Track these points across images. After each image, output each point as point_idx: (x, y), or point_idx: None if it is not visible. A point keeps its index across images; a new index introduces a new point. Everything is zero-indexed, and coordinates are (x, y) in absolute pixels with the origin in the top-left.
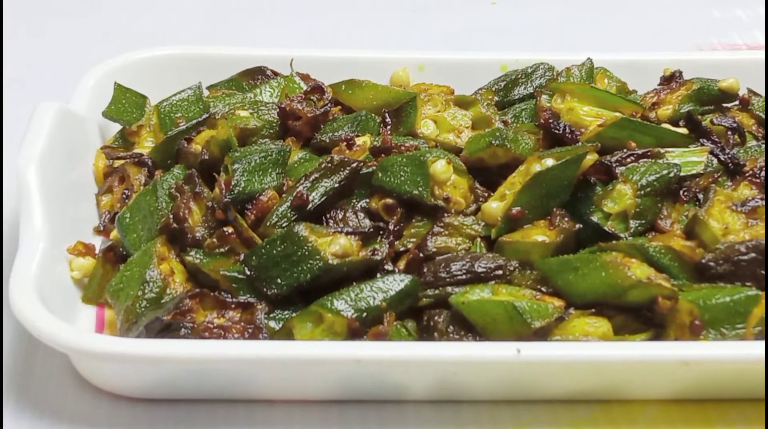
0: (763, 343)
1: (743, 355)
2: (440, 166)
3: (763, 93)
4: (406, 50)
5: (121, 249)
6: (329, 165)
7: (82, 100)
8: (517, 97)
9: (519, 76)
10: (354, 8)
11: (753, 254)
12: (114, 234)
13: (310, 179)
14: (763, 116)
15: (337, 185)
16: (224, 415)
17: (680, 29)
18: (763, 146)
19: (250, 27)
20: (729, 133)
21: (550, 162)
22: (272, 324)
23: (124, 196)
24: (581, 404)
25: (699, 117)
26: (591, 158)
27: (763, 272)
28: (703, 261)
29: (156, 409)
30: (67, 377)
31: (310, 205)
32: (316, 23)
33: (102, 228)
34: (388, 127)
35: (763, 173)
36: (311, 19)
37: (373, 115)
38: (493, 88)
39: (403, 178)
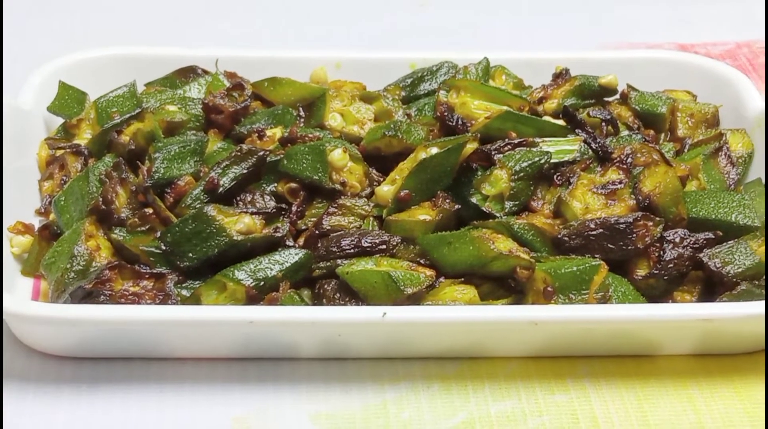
0: (600, 306)
1: (581, 316)
2: (337, 154)
3: (645, 88)
4: (324, 50)
5: (55, 228)
6: (238, 153)
7: (28, 95)
8: (422, 93)
9: (425, 73)
10: (288, 11)
11: (601, 230)
12: (52, 215)
13: (222, 166)
14: (639, 109)
15: (245, 171)
16: (140, 372)
17: (589, 29)
18: (634, 136)
19: (187, 29)
20: (603, 124)
21: (434, 150)
22: (184, 292)
23: (62, 181)
24: (450, 361)
25: (575, 110)
26: (471, 147)
27: (611, 245)
28: (559, 236)
29: (80, 366)
30: (4, 339)
31: (220, 189)
32: (251, 26)
33: (43, 210)
34: (302, 119)
35: (630, 159)
36: (246, 23)
37: (289, 109)
38: (401, 84)
39: (305, 165)
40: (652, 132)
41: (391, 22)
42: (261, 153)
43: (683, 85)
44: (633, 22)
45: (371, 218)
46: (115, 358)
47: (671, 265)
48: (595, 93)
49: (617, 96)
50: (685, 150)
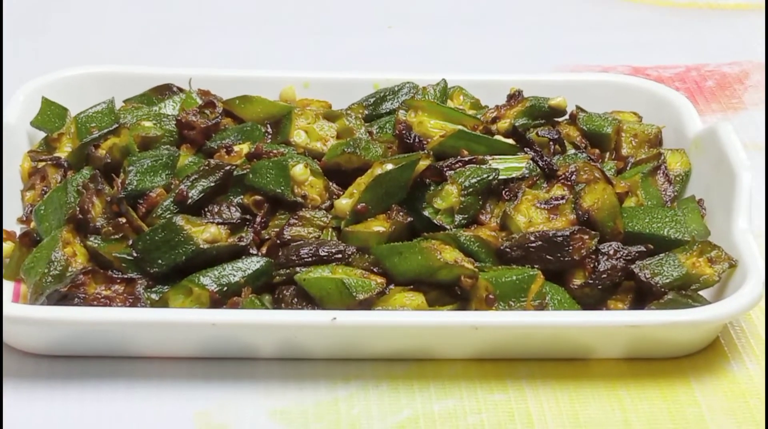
0: (536, 312)
1: (517, 322)
2: (299, 170)
3: (594, 110)
4: (293, 70)
5: (35, 235)
6: (206, 167)
7: (13, 111)
8: (384, 112)
9: (387, 93)
10: (262, 32)
11: (540, 242)
12: (33, 223)
13: (191, 179)
14: (586, 129)
15: (212, 184)
16: (111, 369)
17: (547, 52)
18: (579, 154)
19: (164, 49)
20: (551, 143)
21: (389, 166)
22: (153, 296)
23: (43, 192)
24: (399, 362)
25: (525, 129)
26: (424, 163)
27: (549, 257)
28: (502, 247)
29: (56, 364)
30: None
31: (189, 201)
32: (224, 47)
33: (25, 218)
34: (269, 135)
35: (574, 177)
36: (220, 44)
37: (258, 125)
38: (364, 103)
39: (269, 179)
40: (597, 151)
41: (358, 43)
42: (228, 167)
43: (630, 106)
44: (589, 45)
45: (330, 229)
46: (88, 357)
47: (605, 276)
48: (545, 113)
49: (566, 116)
50: (628, 168)
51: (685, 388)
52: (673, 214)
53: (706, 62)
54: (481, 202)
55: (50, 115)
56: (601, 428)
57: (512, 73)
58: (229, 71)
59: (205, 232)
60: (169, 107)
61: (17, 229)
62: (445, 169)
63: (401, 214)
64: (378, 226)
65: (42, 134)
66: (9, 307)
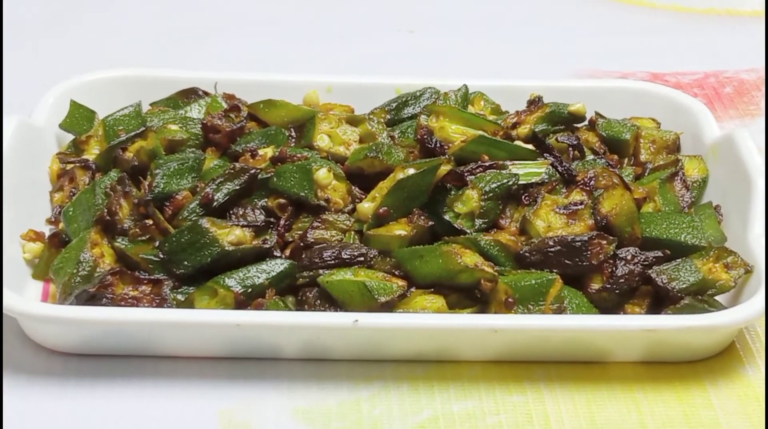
0: (554, 316)
1: (535, 325)
2: (322, 173)
3: (613, 116)
4: (317, 74)
5: (64, 236)
6: (232, 171)
7: (42, 113)
8: (406, 116)
9: (409, 98)
10: (285, 37)
11: (558, 247)
12: (62, 224)
13: (216, 182)
14: (605, 135)
15: (237, 187)
16: (137, 368)
17: (567, 57)
18: (598, 160)
19: (190, 53)
20: (570, 149)
21: (411, 171)
22: (179, 297)
23: (71, 193)
24: (420, 363)
25: (545, 135)
26: (444, 168)
27: (567, 261)
28: (521, 251)
29: (84, 362)
30: (15, 336)
31: (214, 203)
32: (249, 51)
33: (53, 219)
34: (293, 139)
35: (593, 182)
36: (245, 48)
37: (282, 129)
38: (387, 108)
39: (293, 183)
40: (616, 157)
41: (380, 47)
42: (253, 171)
43: (649, 112)
44: (608, 51)
45: (352, 232)
46: (115, 356)
47: (622, 280)
48: (565, 119)
49: (586, 122)
50: (646, 174)
51: (700, 392)
52: (690, 220)
53: (724, 69)
54: (500, 207)
55: (78, 117)
56: None
57: (532, 78)
58: (254, 75)
59: (230, 235)
60: (195, 111)
61: (46, 230)
62: (465, 174)
63: (422, 218)
64: (399, 229)
65: (70, 136)
66: (38, 307)
